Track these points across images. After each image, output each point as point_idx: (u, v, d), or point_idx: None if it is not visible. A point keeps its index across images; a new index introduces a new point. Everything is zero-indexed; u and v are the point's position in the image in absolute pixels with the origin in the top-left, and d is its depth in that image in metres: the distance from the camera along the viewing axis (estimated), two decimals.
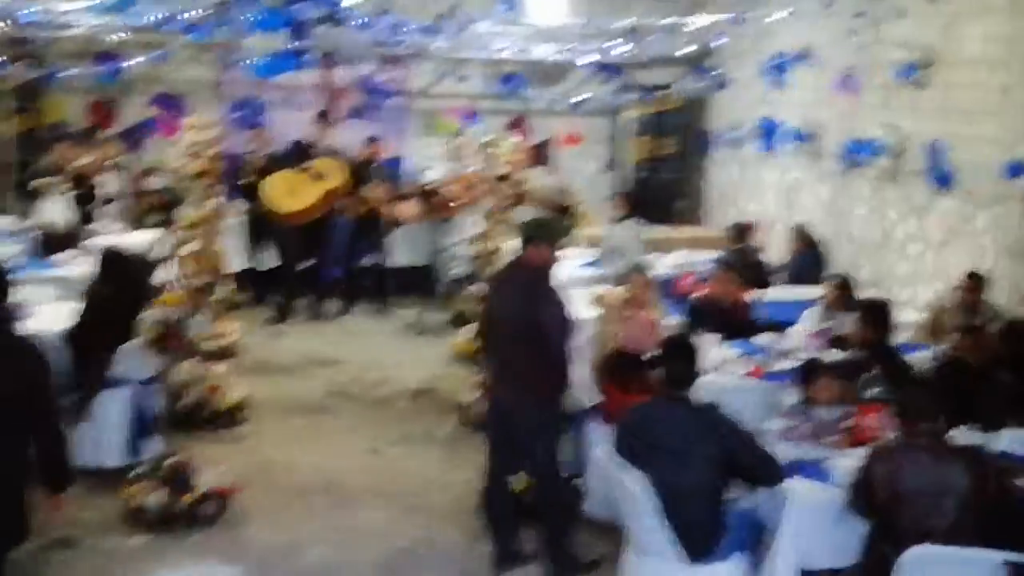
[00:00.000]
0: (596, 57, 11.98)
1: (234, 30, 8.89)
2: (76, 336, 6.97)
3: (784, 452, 5.22)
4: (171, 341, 6.52)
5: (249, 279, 11.98)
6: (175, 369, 7.81)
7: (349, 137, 12.64)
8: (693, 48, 11.55)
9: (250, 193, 11.30)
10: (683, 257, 10.53)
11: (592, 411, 6.43)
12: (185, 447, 6.98)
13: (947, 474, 4.49)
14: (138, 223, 8.57)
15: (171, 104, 12.90)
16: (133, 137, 12.68)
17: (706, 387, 5.58)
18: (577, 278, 9.55)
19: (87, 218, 10.41)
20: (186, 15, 8.85)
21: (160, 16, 8.63)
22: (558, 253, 6.00)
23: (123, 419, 7.03)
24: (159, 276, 7.85)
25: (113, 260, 7.33)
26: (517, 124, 13.95)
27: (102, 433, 6.96)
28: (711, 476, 4.83)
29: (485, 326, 6.36)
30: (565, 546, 5.94)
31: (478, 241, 9.98)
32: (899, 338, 7.21)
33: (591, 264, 9.98)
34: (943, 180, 9.10)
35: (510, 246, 7.88)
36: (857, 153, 10.25)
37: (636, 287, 7.75)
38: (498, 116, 13.96)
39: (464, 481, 7.10)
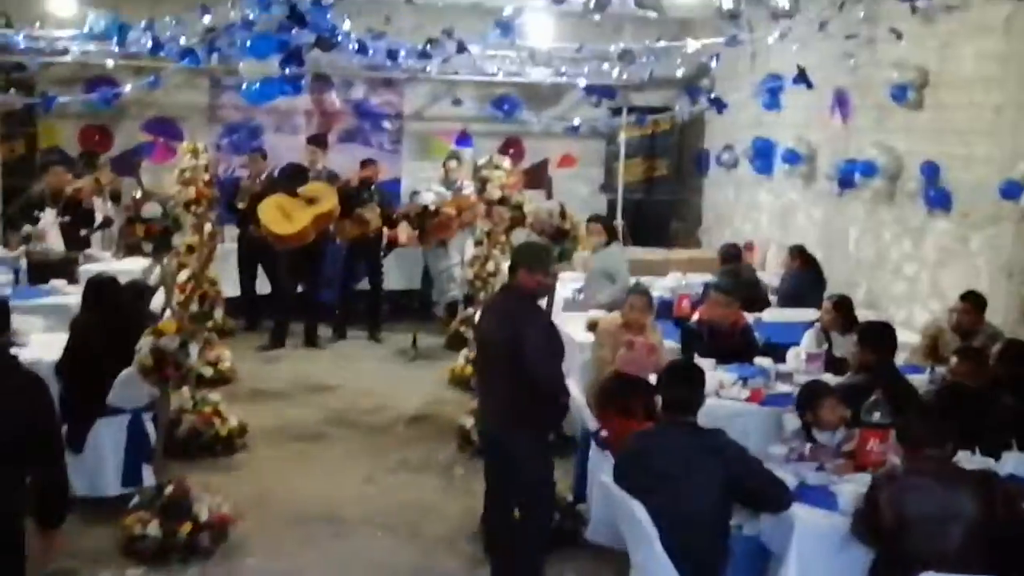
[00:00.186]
0: (590, 79, 12.01)
1: (227, 55, 8.88)
2: (67, 365, 6.91)
3: (788, 477, 5.18)
4: (167, 369, 6.44)
5: (243, 305, 11.94)
6: (171, 397, 7.74)
7: (343, 160, 12.64)
8: (687, 70, 11.58)
9: (244, 218, 11.27)
10: (679, 279, 10.49)
11: (593, 436, 6.39)
12: (182, 476, 6.91)
13: (954, 500, 4.45)
14: (133, 250, 8.51)
15: (164, 129, 12.90)
16: (127, 162, 12.66)
17: (706, 412, 5.54)
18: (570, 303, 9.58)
19: (81, 244, 10.36)
20: (179, 40, 8.83)
21: (152, 42, 8.60)
22: (550, 278, 5.98)
23: (118, 448, 6.96)
24: (154, 303, 7.79)
25: (99, 288, 7.28)
26: (511, 146, 13.95)
27: (98, 463, 6.89)
28: (716, 502, 4.79)
29: (478, 352, 6.34)
30: None
31: (474, 264, 9.95)
32: (896, 360, 7.18)
33: (577, 291, 9.93)
34: (938, 201, 9.11)
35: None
36: (851, 174, 10.25)
37: (634, 311, 7.71)
38: (492, 139, 13.97)
39: (463, 508, 7.06)
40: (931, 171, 9.12)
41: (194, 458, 7.81)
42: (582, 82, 11.82)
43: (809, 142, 11.35)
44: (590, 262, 9.97)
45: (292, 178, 11.20)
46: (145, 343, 6.39)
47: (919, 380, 6.89)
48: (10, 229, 10.54)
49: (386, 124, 13.85)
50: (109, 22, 8.13)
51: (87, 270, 9.37)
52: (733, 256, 10.47)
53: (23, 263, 9.74)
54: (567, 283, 9.60)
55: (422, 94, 13.82)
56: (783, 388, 6.96)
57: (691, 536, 4.74)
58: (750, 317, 8.51)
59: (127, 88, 10.48)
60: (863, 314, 8.29)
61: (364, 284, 12.05)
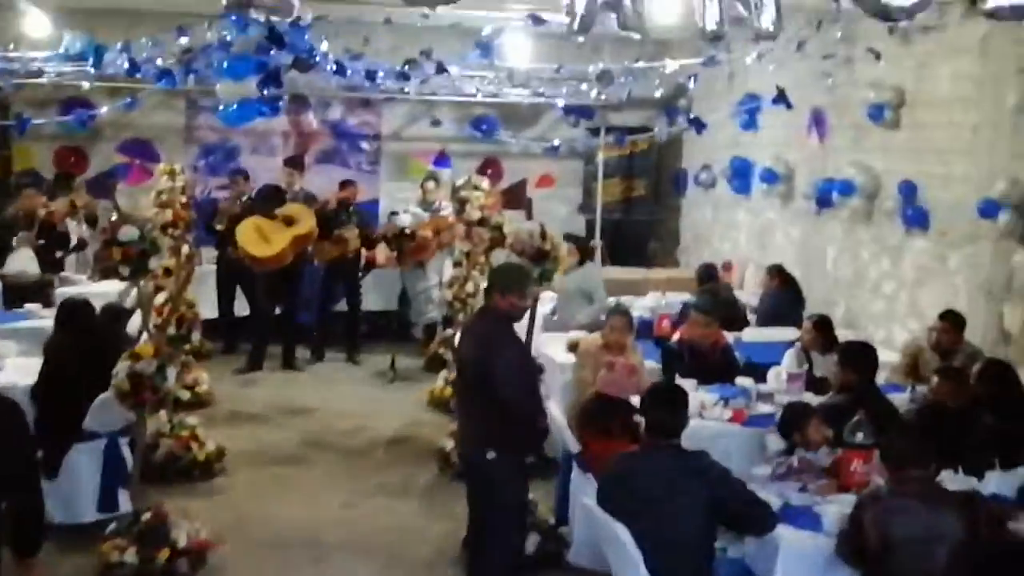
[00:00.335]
0: (568, 99, 12.02)
1: (203, 76, 8.85)
2: (42, 389, 6.83)
3: (772, 498, 5.16)
4: (144, 393, 6.38)
5: (220, 327, 11.86)
6: (148, 421, 7.66)
7: (320, 182, 12.60)
8: (665, 90, 11.61)
9: (223, 240, 11.21)
10: (658, 299, 10.48)
11: (575, 458, 6.36)
12: (159, 501, 6.83)
13: (939, 521, 4.45)
14: (109, 273, 8.40)
15: (140, 150, 12.82)
16: (102, 184, 12.57)
17: (688, 433, 5.52)
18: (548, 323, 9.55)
19: (56, 267, 10.27)
20: (156, 62, 8.80)
21: (128, 64, 8.56)
22: (526, 300, 5.94)
23: (95, 473, 6.89)
24: (131, 326, 7.72)
25: (71, 311, 7.21)
26: (489, 167, 13.94)
27: (74, 489, 6.81)
28: (701, 525, 4.76)
29: (456, 374, 6.33)
30: None
31: (453, 285, 9.91)
32: (877, 379, 7.17)
33: (550, 313, 9.90)
34: (916, 220, 9.14)
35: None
36: (829, 193, 10.28)
37: (614, 331, 7.70)
38: (470, 159, 13.95)
39: (444, 532, 7.00)
40: (909, 190, 9.15)
41: (172, 483, 7.73)
42: (560, 102, 11.82)
43: (787, 161, 11.39)
44: (563, 282, 9.92)
45: (269, 200, 11.15)
46: (122, 367, 6.33)
47: (900, 399, 6.90)
48: None
49: (364, 145, 13.81)
50: (85, 44, 8.08)
51: (62, 293, 9.28)
52: (710, 276, 10.48)
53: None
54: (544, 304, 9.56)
55: (400, 114, 13.79)
56: (765, 408, 6.95)
57: (676, 559, 4.71)
58: (729, 337, 8.50)
59: (103, 110, 10.42)
60: (842, 333, 8.30)
61: (342, 306, 12.00)
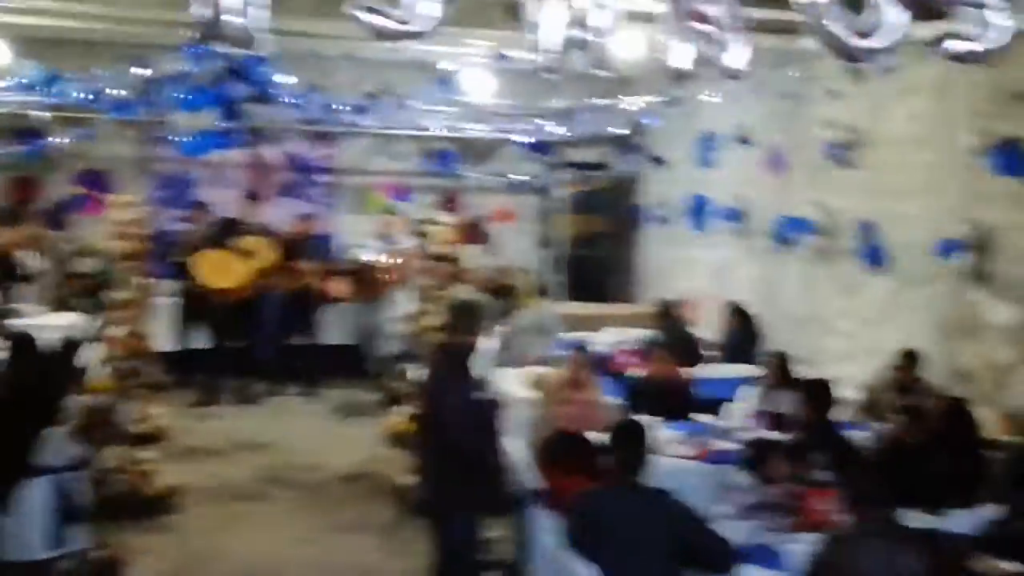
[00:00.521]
0: (527, 135, 12.06)
1: (161, 108, 8.78)
2: None
3: (735, 536, 5.14)
4: (98, 428, 6.28)
5: (175, 359, 11.72)
6: (101, 455, 7.54)
7: (278, 214, 12.53)
8: (624, 128, 11.67)
9: (181, 271, 11.11)
10: (617, 334, 10.50)
11: (536, 496, 6.30)
12: (113, 538, 6.71)
13: (902, 560, 4.43)
14: (65, 305, 8.35)
15: (96, 181, 12.66)
16: (56, 215, 12.40)
17: (651, 470, 5.50)
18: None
19: (6, 298, 10.10)
20: (112, 91, 8.71)
21: (86, 95, 8.48)
22: (475, 337, 5.93)
23: (46, 509, 6.71)
24: (84, 359, 7.60)
25: (21, 345, 7.08)
26: (449, 201, 13.92)
27: (24, 525, 6.61)
28: (665, 565, 4.73)
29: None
30: None
31: (412, 320, 9.87)
32: (836, 416, 7.20)
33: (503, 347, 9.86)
34: (874, 258, 9.21)
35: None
36: (787, 231, 10.35)
37: (575, 368, 7.69)
38: (429, 193, 13.93)
39: (403, 569, 6.95)
40: (867, 229, 9.23)
41: (125, 519, 7.57)
42: (519, 138, 11.86)
43: (745, 199, 11.46)
44: (517, 317, 9.92)
45: (226, 232, 11.10)
46: (76, 401, 6.22)
47: (860, 437, 6.91)
48: None
49: (322, 178, 13.74)
50: (43, 74, 8.00)
51: (12, 325, 9.12)
52: (667, 313, 10.50)
53: None
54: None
55: (358, 148, 13.75)
56: (726, 445, 6.94)
57: None
58: (687, 373, 8.52)
59: (60, 140, 10.31)
60: (801, 371, 8.31)
61: (299, 339, 11.91)
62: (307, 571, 7.06)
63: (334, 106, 9.33)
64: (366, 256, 11.80)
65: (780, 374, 7.90)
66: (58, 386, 6.54)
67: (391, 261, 11.72)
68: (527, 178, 13.68)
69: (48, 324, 9.46)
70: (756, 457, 5.88)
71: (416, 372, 8.81)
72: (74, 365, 7.39)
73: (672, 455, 6.76)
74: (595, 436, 6.09)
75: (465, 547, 5.87)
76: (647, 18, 5.60)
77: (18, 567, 6.41)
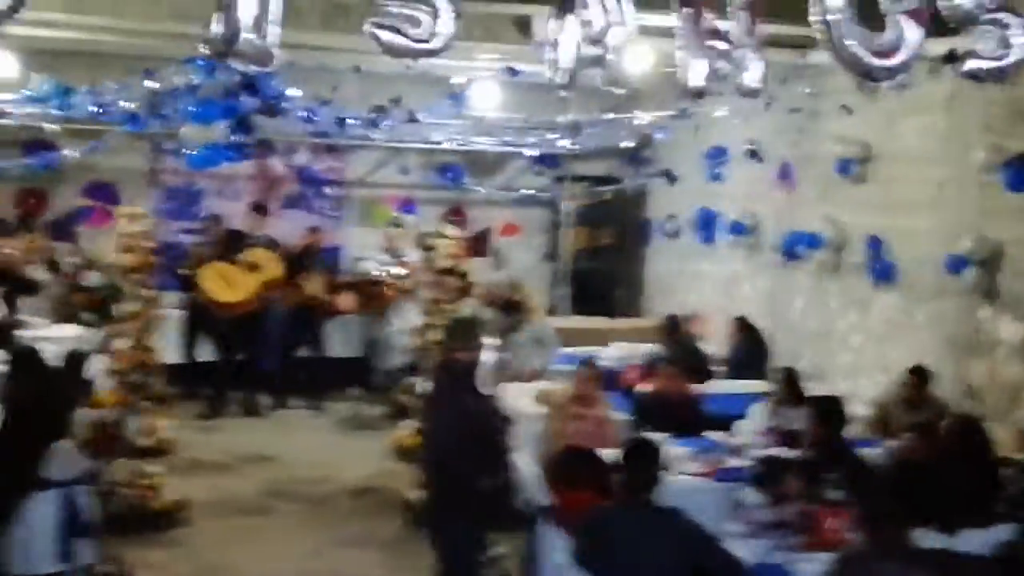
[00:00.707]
0: (535, 148, 12.03)
1: (170, 120, 8.77)
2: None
3: (746, 556, 5.11)
4: (105, 441, 6.25)
5: (182, 372, 11.70)
6: (108, 469, 7.52)
7: (285, 227, 12.52)
8: (632, 141, 11.66)
9: (188, 284, 11.12)
10: (625, 349, 10.45)
11: (544, 511, 6.27)
12: (119, 552, 6.68)
13: None
14: (71, 317, 8.33)
15: (103, 193, 12.66)
16: (64, 227, 12.40)
17: (660, 488, 5.47)
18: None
19: (12, 311, 10.07)
20: (121, 104, 8.70)
21: (95, 107, 8.47)
22: (470, 352, 5.91)
23: (54, 523, 6.68)
24: (91, 372, 7.59)
25: (27, 358, 7.06)
26: (455, 214, 13.90)
27: (31, 538, 6.59)
28: None
29: None
30: None
31: (418, 333, 9.84)
32: (846, 433, 7.16)
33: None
34: (883, 273, 9.19)
35: None
36: (796, 245, 10.33)
37: (583, 383, 7.66)
38: (435, 205, 13.91)
39: None
40: (876, 244, 9.20)
41: (131, 533, 7.54)
42: (527, 151, 11.85)
43: (753, 213, 11.44)
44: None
45: (232, 245, 11.10)
46: (83, 415, 6.20)
47: (870, 454, 6.87)
48: None
49: (329, 190, 13.73)
50: (53, 86, 7.99)
51: (19, 337, 9.10)
52: (674, 327, 10.46)
53: None
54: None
55: (365, 161, 13.74)
56: (736, 462, 6.90)
57: None
58: (696, 388, 8.48)
59: (68, 153, 10.30)
60: (808, 386, 8.27)
61: (305, 351, 11.89)
62: None
63: (345, 119, 9.31)
64: (373, 269, 11.78)
65: (789, 390, 7.86)
66: (65, 400, 6.52)
67: (397, 274, 11.69)
68: (534, 191, 13.64)
69: (54, 336, 9.47)
70: (766, 475, 5.84)
71: (422, 385, 8.79)
72: (81, 378, 7.39)
73: (681, 472, 6.71)
74: (605, 453, 6.06)
75: (463, 562, 5.85)
76: (655, 32, 5.60)
77: None
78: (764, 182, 11.14)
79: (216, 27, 3.80)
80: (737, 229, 11.59)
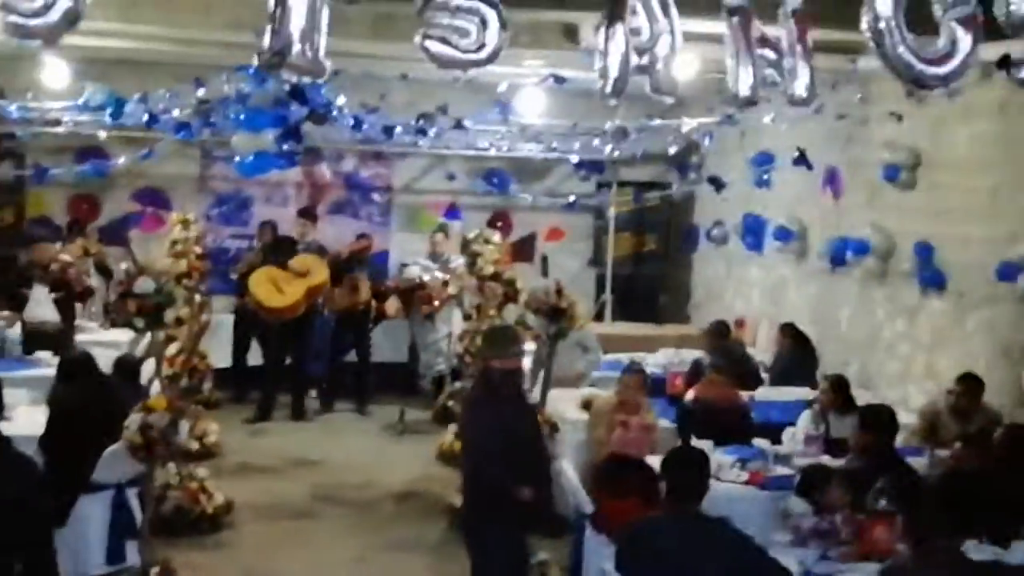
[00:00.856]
0: (580, 154, 12.02)
1: (220, 128, 8.86)
2: (49, 442, 6.76)
3: (793, 565, 5.07)
4: (156, 446, 6.32)
5: (231, 376, 11.85)
6: (158, 472, 7.60)
7: (332, 232, 12.60)
8: (678, 147, 11.62)
9: (237, 289, 11.27)
10: (671, 356, 10.41)
11: (589, 519, 6.27)
12: (167, 555, 6.76)
13: None
14: (124, 323, 8.42)
15: (153, 199, 12.83)
16: (115, 232, 12.57)
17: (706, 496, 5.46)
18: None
19: (65, 318, 10.22)
20: (173, 112, 8.81)
21: (147, 116, 8.58)
22: (507, 361, 5.91)
23: (103, 525, 6.79)
24: (143, 378, 7.68)
25: (73, 364, 7.15)
26: (499, 219, 13.91)
27: (81, 540, 6.69)
28: None
29: None
30: None
31: (464, 339, 9.86)
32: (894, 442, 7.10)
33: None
34: (932, 281, 9.09)
35: None
36: (843, 252, 10.24)
37: (628, 390, 7.65)
38: (480, 211, 13.92)
39: None
40: (925, 251, 9.11)
41: (180, 536, 7.66)
42: (574, 158, 11.84)
43: (800, 219, 11.36)
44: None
45: (281, 251, 11.20)
46: (134, 419, 6.27)
47: (918, 463, 6.80)
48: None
49: (376, 196, 13.81)
50: (105, 96, 8.11)
51: (74, 343, 9.24)
52: (722, 333, 10.39)
53: (11, 333, 9.58)
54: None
55: (412, 167, 13.80)
56: (782, 470, 6.86)
57: None
58: (743, 396, 8.43)
59: (120, 160, 10.45)
60: (856, 394, 8.20)
61: (352, 356, 11.98)
62: None
63: (393, 127, 9.36)
64: (418, 275, 11.83)
65: (838, 398, 7.80)
66: (116, 405, 6.60)
67: (443, 280, 11.74)
68: (580, 197, 13.61)
69: (106, 341, 9.61)
70: (813, 484, 5.80)
71: (464, 391, 8.83)
72: (133, 384, 7.48)
73: (727, 480, 6.68)
74: (649, 459, 6.05)
75: (498, 572, 5.86)
76: (700, 38, 5.59)
77: None
78: (811, 188, 11.06)
79: (267, 40, 3.85)
80: (784, 236, 11.51)
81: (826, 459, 6.95)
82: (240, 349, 11.90)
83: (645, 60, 4.44)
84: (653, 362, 10.07)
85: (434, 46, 4.06)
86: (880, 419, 6.46)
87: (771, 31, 4.62)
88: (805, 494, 5.82)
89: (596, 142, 11.62)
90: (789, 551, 5.32)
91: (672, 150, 11.51)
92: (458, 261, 11.47)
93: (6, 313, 9.95)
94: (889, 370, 9.82)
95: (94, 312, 10.96)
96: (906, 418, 8.12)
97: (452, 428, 9.98)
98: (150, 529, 6.79)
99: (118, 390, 7.05)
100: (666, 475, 5.09)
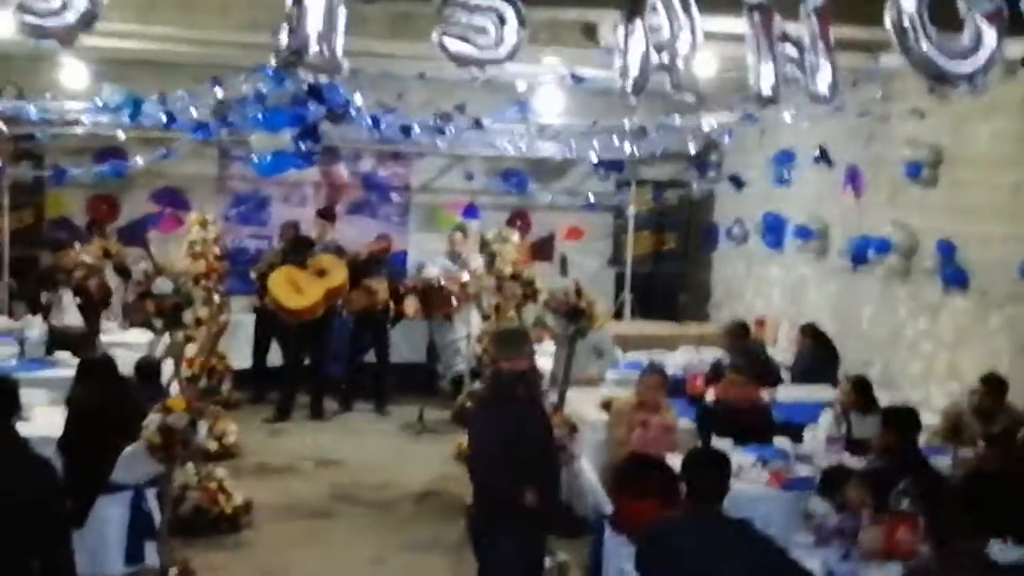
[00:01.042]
0: (599, 153, 11.97)
1: (237, 128, 8.86)
2: (68, 443, 6.76)
3: (815, 566, 5.03)
4: (175, 447, 6.32)
5: (250, 376, 11.87)
6: (176, 472, 7.60)
7: (351, 232, 12.60)
8: (697, 145, 11.55)
9: (256, 289, 11.29)
10: (691, 355, 10.36)
11: (608, 519, 6.24)
12: (186, 555, 6.75)
13: None
14: (143, 324, 8.47)
15: (172, 199, 12.86)
16: (134, 232, 12.60)
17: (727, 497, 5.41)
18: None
19: (88, 322, 10.25)
20: (190, 112, 8.81)
21: (165, 116, 8.59)
22: (515, 362, 5.87)
23: (122, 525, 6.78)
24: (163, 379, 7.68)
25: (97, 366, 7.16)
26: (518, 219, 13.89)
27: (100, 541, 6.68)
28: None
29: None
30: None
31: (482, 339, 9.84)
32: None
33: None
34: (954, 279, 9.02)
35: None
36: (865, 250, 10.17)
37: (648, 390, 7.61)
38: (499, 211, 13.91)
39: None
40: (947, 249, 9.04)
41: (198, 536, 7.66)
42: (593, 157, 11.79)
43: (821, 217, 11.29)
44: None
45: (300, 251, 11.21)
46: (153, 420, 6.27)
47: (941, 463, 6.74)
48: (18, 301, 10.46)
49: (394, 196, 13.80)
50: (124, 96, 8.12)
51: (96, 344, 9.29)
52: (741, 333, 10.34)
53: (35, 333, 9.61)
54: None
55: (430, 167, 13.79)
56: (803, 471, 6.80)
57: None
58: (764, 395, 8.38)
59: (138, 161, 10.48)
60: (877, 394, 8.13)
61: (370, 357, 11.98)
62: None
63: (410, 126, 9.35)
64: (437, 275, 11.82)
65: (860, 398, 7.74)
66: (137, 405, 6.60)
67: (461, 280, 11.72)
68: (598, 196, 13.57)
69: (125, 342, 9.63)
70: (834, 484, 5.75)
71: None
72: (153, 385, 7.48)
73: (748, 480, 6.63)
74: (669, 460, 6.00)
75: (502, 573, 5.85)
76: (720, 36, 5.55)
77: None
78: (832, 186, 11.00)
79: (284, 40, 3.83)
80: (804, 234, 11.45)
81: (848, 459, 6.90)
82: (260, 349, 11.94)
83: (665, 58, 4.41)
84: (673, 362, 10.01)
85: (452, 44, 4.04)
86: (903, 419, 6.40)
87: (792, 28, 4.57)
88: (827, 494, 5.76)
89: (615, 141, 11.58)
90: (811, 552, 5.28)
91: (692, 148, 11.41)
92: (477, 261, 11.47)
93: (28, 316, 9.99)
94: (911, 369, 9.75)
95: (113, 313, 10.98)
96: (929, 418, 8.06)
97: None
98: (169, 529, 6.78)
99: (137, 391, 7.05)
100: (686, 475, 5.05)
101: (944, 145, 9.27)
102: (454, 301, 11.70)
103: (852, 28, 6.03)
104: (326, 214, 11.96)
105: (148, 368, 7.64)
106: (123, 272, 11.13)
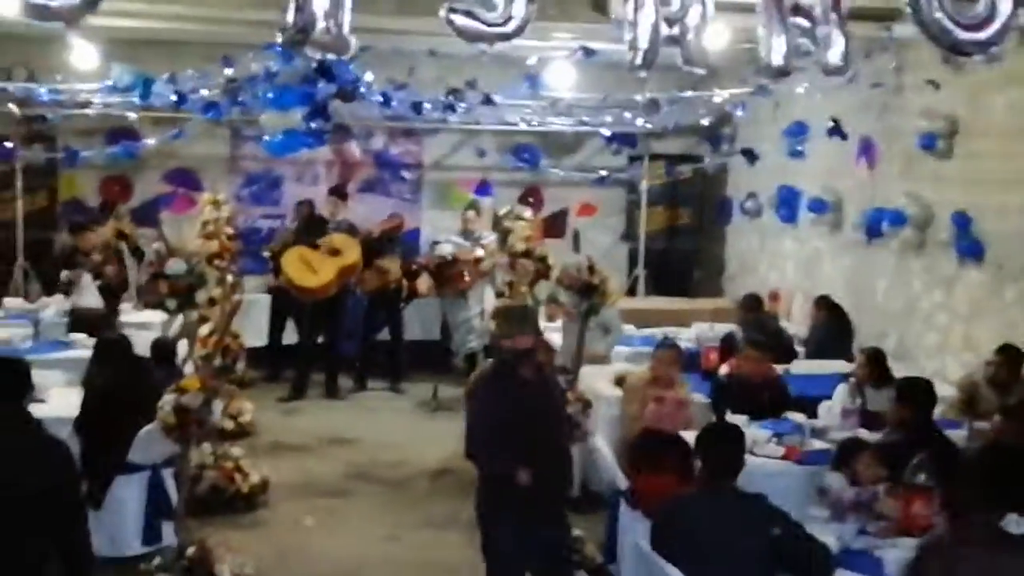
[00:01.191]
0: (612, 128, 11.93)
1: (248, 107, 8.86)
2: (84, 423, 6.80)
3: (830, 541, 5.02)
4: (190, 426, 6.35)
5: (265, 355, 11.90)
6: (192, 452, 7.63)
7: (363, 210, 12.59)
8: (710, 118, 11.52)
9: (270, 269, 11.31)
10: (705, 330, 10.33)
11: (623, 495, 6.24)
12: (203, 535, 6.78)
13: (1006, 570, 4.28)
14: (157, 305, 8.49)
15: (184, 179, 12.86)
16: (147, 213, 12.61)
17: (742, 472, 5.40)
18: None
19: (112, 302, 10.28)
20: (202, 91, 8.81)
21: (176, 96, 8.59)
22: (517, 341, 5.86)
23: (139, 506, 6.83)
24: (178, 359, 7.71)
25: (113, 346, 7.18)
26: (531, 195, 13.85)
27: (118, 521, 6.73)
28: (762, 571, 4.62)
29: None
30: None
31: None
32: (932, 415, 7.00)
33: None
34: (970, 251, 8.96)
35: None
36: (879, 223, 10.11)
37: (662, 365, 7.58)
38: (511, 187, 13.87)
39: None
40: (962, 221, 8.98)
41: (215, 515, 7.69)
42: (605, 131, 11.75)
43: (835, 190, 11.23)
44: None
45: (313, 230, 11.20)
46: (168, 400, 6.30)
47: (956, 436, 6.72)
48: (34, 282, 10.50)
49: (406, 174, 13.78)
50: (134, 77, 8.12)
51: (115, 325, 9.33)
52: (755, 307, 10.31)
53: (50, 314, 9.64)
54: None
55: (442, 144, 13.76)
56: (818, 445, 6.78)
57: None
58: (778, 370, 8.35)
59: (150, 141, 10.48)
60: (893, 366, 8.09)
61: (384, 335, 11.99)
62: (394, 568, 7.09)
63: (422, 103, 9.33)
64: (450, 252, 11.80)
65: (875, 371, 7.71)
66: (152, 385, 6.63)
67: (474, 257, 11.70)
68: (611, 171, 13.53)
69: (140, 323, 9.66)
70: (849, 458, 5.73)
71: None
72: (168, 366, 7.50)
73: (762, 455, 6.61)
74: (683, 434, 5.99)
75: (500, 554, 5.86)
76: (731, 7, 5.50)
77: (112, 563, 6.52)
78: (846, 159, 10.93)
79: (291, 17, 3.81)
80: (818, 207, 11.39)
81: (863, 433, 6.87)
82: (276, 328, 11.97)
83: (676, 31, 4.37)
84: (687, 336, 10.01)
85: (459, 19, 4.01)
86: (918, 392, 6.37)
87: None
88: (841, 468, 5.74)
89: (627, 115, 11.54)
90: (827, 526, 5.27)
91: (704, 122, 11.40)
92: (490, 238, 11.44)
93: (43, 298, 10.02)
94: (927, 342, 9.71)
95: (128, 294, 11.00)
96: (944, 390, 8.02)
97: None
98: (186, 509, 6.83)
99: (152, 372, 7.08)
100: (701, 451, 5.05)
101: (959, 116, 9.19)
102: (467, 278, 11.67)
103: None
104: (338, 192, 11.96)
105: (163, 349, 7.67)
106: (136, 253, 11.15)
